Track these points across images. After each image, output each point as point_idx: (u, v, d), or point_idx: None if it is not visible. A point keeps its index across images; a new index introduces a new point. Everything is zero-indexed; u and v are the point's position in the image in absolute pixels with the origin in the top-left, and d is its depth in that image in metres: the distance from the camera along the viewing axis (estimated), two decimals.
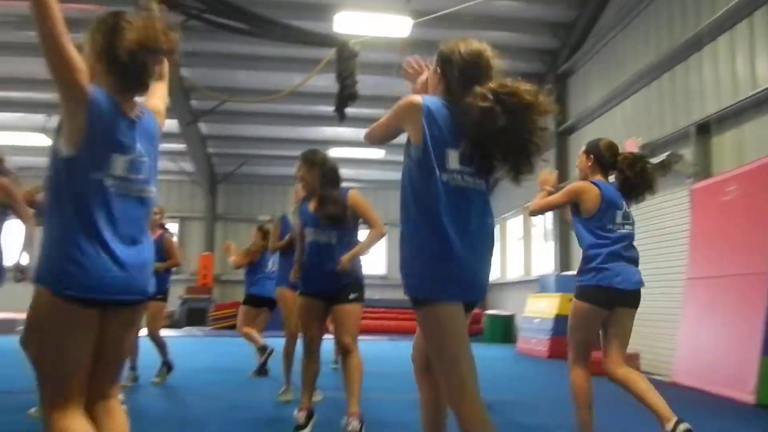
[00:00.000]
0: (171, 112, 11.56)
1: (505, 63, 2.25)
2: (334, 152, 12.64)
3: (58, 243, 1.78)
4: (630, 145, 7.03)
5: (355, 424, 3.36)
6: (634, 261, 3.35)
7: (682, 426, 2.97)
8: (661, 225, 7.92)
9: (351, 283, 3.67)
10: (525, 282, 13.44)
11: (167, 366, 5.71)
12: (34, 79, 11.29)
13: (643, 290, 3.37)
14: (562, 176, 11.43)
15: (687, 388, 6.25)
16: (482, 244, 2.16)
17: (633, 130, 8.75)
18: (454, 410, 2.05)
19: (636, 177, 3.37)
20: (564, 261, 11.34)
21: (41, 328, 1.79)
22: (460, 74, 2.17)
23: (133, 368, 5.48)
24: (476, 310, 15.11)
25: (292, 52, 10.60)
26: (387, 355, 8.66)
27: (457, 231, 2.06)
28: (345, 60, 5.38)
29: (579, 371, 3.23)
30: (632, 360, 7.60)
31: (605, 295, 3.20)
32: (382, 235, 3.78)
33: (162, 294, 5.44)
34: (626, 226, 3.35)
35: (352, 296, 3.65)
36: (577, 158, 3.62)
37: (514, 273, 14.54)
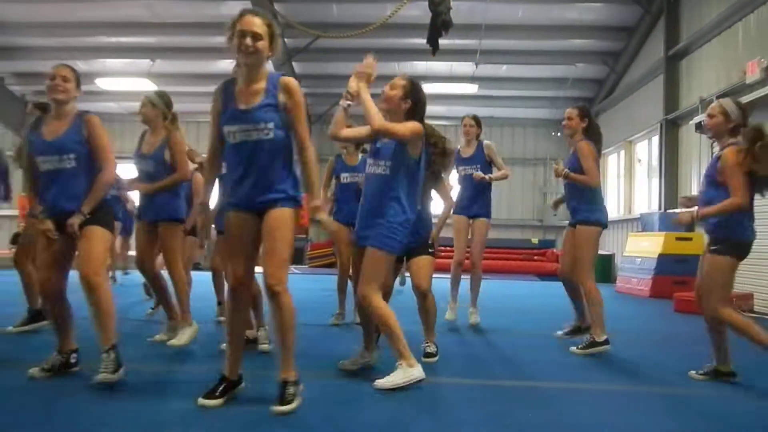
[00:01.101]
0: None
1: None
2: (426, 88, 12.38)
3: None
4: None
5: (432, 347, 4.14)
6: None
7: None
8: None
9: (426, 238, 4.08)
10: (625, 221, 12.88)
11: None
12: (138, 23, 11.65)
13: (757, 227, 3.30)
14: (672, 107, 10.65)
15: None
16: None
17: (756, 50, 7.90)
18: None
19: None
20: (669, 198, 10.71)
21: (292, 233, 3.09)
22: (421, 113, 3.72)
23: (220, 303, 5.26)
24: None
25: None
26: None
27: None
28: None
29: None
30: (744, 300, 7.23)
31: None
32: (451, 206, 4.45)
33: None
34: None
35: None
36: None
37: (614, 212, 13.90)
